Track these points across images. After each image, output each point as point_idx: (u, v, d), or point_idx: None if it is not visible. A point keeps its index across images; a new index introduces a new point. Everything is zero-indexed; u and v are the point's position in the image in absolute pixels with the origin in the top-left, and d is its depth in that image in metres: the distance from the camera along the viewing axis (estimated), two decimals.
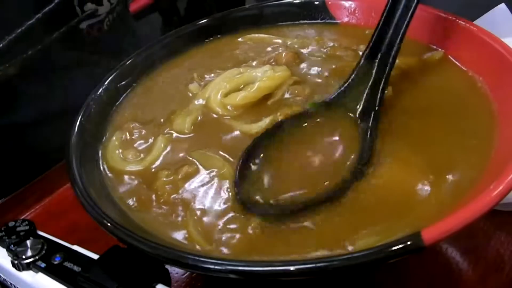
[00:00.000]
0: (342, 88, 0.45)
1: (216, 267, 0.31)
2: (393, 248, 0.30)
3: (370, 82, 0.44)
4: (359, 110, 0.43)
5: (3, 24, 0.56)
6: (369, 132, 0.41)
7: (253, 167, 0.41)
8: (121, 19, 0.73)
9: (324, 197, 0.37)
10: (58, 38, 0.62)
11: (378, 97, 0.43)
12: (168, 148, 0.44)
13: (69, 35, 0.64)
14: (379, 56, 0.45)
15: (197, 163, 0.42)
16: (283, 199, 0.38)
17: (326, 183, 0.38)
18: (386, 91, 0.44)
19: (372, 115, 0.43)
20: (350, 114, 0.44)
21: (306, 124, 0.44)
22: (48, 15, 0.60)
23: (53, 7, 0.60)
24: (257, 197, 0.38)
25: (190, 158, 0.43)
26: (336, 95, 0.45)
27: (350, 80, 0.45)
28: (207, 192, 0.40)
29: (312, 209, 0.37)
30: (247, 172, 0.40)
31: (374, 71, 0.44)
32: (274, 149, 0.42)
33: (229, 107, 0.47)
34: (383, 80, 0.44)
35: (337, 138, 0.43)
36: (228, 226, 0.37)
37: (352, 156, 0.40)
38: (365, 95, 0.44)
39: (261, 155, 0.41)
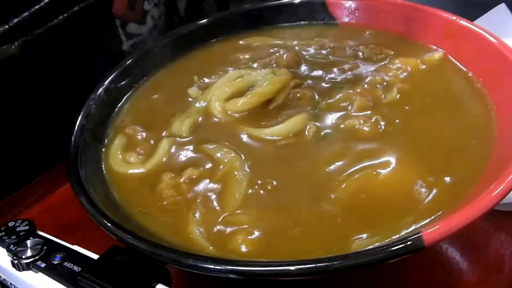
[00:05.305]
0: None
1: (216, 267, 0.31)
2: (393, 248, 0.30)
3: None
4: None
5: None
6: None
7: None
8: (166, 28, 0.70)
9: None
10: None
11: None
12: (172, 151, 0.44)
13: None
14: None
15: (208, 157, 0.42)
16: None
17: None
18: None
19: None
20: None
21: None
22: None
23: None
24: None
25: (200, 154, 0.43)
26: None
27: None
28: (210, 193, 0.40)
29: None
30: None
31: None
32: None
33: (230, 112, 0.46)
34: None
35: None
36: (229, 227, 0.37)
37: None
38: None
39: None
